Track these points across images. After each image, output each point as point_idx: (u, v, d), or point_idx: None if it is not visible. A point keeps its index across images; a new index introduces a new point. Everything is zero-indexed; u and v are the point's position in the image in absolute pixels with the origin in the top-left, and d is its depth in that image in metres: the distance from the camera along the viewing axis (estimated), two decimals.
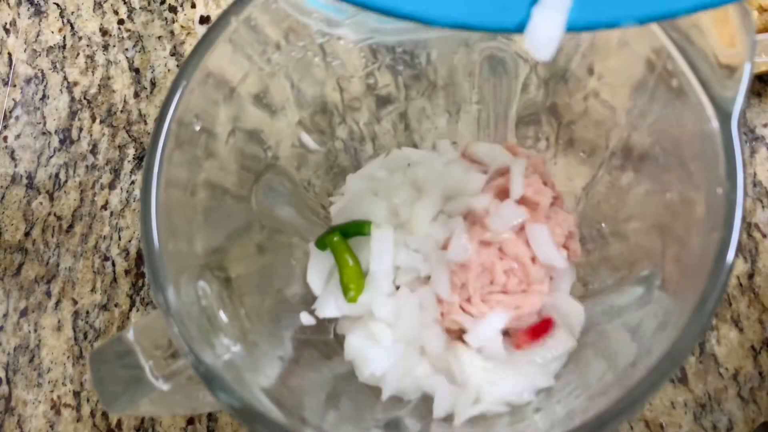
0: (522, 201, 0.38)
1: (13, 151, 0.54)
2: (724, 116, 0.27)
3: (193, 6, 0.56)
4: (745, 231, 0.44)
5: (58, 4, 0.58)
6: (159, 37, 0.56)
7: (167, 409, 0.34)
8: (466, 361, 0.37)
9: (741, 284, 0.44)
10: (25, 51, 0.57)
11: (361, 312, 0.38)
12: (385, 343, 0.37)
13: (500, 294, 0.37)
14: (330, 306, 0.38)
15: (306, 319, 0.39)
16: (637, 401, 0.26)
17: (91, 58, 0.56)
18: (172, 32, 0.56)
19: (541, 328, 0.37)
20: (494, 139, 0.44)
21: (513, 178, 0.38)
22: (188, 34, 0.55)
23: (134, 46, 0.56)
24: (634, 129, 0.36)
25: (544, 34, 0.19)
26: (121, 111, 0.54)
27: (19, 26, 0.58)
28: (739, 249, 0.26)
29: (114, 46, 0.56)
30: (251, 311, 0.34)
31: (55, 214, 0.52)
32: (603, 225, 0.40)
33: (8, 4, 0.58)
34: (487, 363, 0.37)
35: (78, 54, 0.56)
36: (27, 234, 0.52)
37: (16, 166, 0.54)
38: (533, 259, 0.38)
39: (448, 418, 0.36)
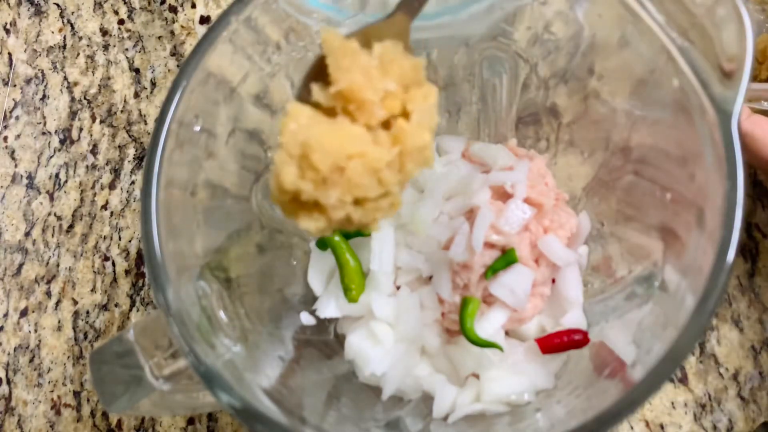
0: (526, 202, 0.38)
1: (13, 151, 0.54)
2: (724, 116, 0.27)
3: (194, 6, 0.56)
4: (745, 231, 0.44)
5: (58, 4, 0.58)
6: (159, 37, 0.56)
7: (167, 409, 0.34)
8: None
9: (741, 284, 0.44)
10: (25, 51, 0.57)
11: (361, 312, 0.38)
12: (386, 343, 0.37)
13: None
14: (331, 306, 0.38)
15: (306, 319, 0.39)
16: (637, 401, 0.26)
17: (91, 58, 0.56)
18: (172, 32, 0.56)
19: (571, 342, 0.36)
20: (494, 139, 0.44)
21: (517, 179, 0.38)
22: (188, 34, 0.55)
23: (134, 46, 0.56)
24: (634, 129, 0.36)
25: None
26: (121, 111, 0.54)
27: (19, 26, 0.58)
28: (739, 249, 0.26)
29: (114, 46, 0.56)
30: (251, 311, 0.34)
31: (55, 214, 0.52)
32: (603, 225, 0.40)
33: (8, 4, 0.58)
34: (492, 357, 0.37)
35: (78, 54, 0.56)
36: (27, 234, 0.52)
37: (16, 166, 0.54)
38: (537, 261, 0.38)
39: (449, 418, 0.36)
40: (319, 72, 0.25)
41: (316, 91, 0.25)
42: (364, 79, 0.24)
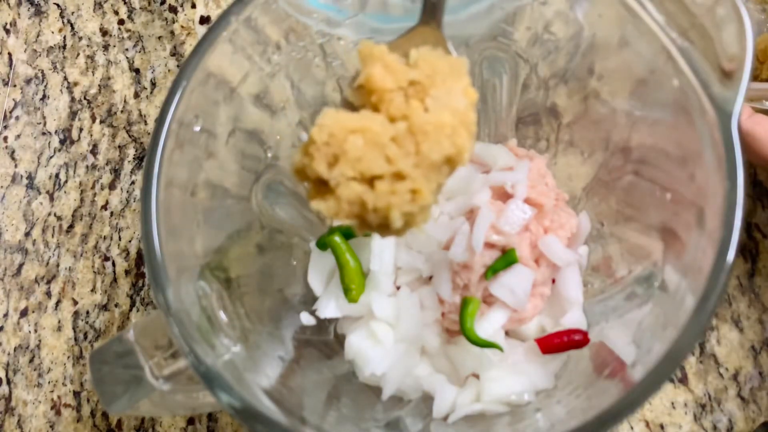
0: (526, 203, 0.38)
1: (13, 151, 0.54)
2: (724, 116, 0.27)
3: (193, 6, 0.56)
4: (745, 231, 0.44)
5: (58, 4, 0.58)
6: (159, 38, 0.56)
7: (167, 410, 0.34)
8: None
9: (741, 284, 0.44)
10: (25, 51, 0.57)
11: (361, 312, 0.38)
12: (386, 343, 0.37)
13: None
14: (331, 306, 0.38)
15: (306, 319, 0.39)
16: (637, 401, 0.26)
17: (91, 58, 0.56)
18: (172, 32, 0.56)
19: (571, 342, 0.36)
20: (494, 139, 0.44)
21: (517, 179, 0.38)
22: (188, 34, 0.55)
23: (134, 46, 0.56)
24: (634, 129, 0.36)
25: None
26: (122, 111, 0.54)
27: (19, 26, 0.58)
28: (739, 249, 0.26)
29: (114, 46, 0.56)
30: (251, 311, 0.34)
31: (55, 214, 0.52)
32: (603, 225, 0.40)
33: (8, 4, 0.58)
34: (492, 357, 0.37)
35: (78, 54, 0.56)
36: (27, 234, 0.52)
37: (16, 166, 0.54)
38: (537, 261, 0.38)
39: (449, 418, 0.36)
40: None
41: (348, 92, 0.26)
42: (384, 71, 0.25)
